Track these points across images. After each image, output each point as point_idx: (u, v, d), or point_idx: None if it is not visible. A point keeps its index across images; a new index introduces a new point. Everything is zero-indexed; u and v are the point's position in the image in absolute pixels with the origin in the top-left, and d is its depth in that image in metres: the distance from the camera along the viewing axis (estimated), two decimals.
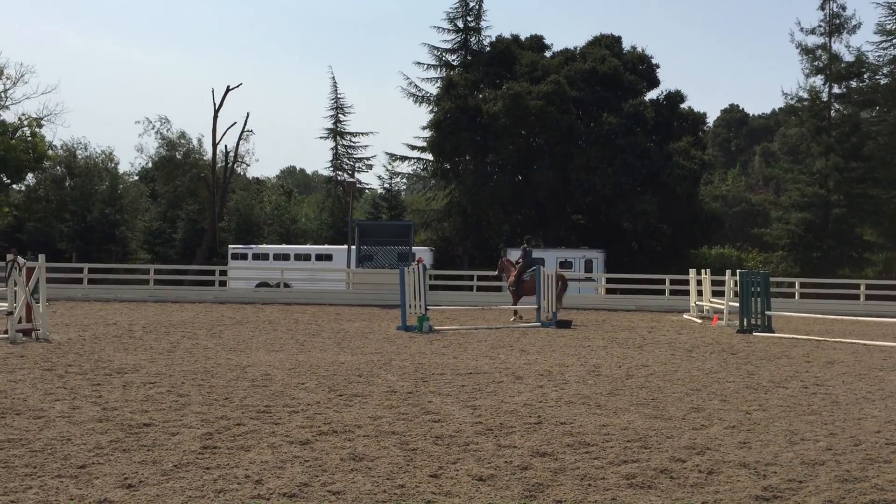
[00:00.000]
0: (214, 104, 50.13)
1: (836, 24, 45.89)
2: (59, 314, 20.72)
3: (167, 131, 53.61)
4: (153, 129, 53.59)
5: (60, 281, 30.93)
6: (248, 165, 58.72)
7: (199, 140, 54.69)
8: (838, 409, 9.08)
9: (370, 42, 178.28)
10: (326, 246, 43.95)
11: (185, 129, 56.27)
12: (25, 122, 50.86)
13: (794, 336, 18.55)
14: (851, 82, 46.84)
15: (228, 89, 50.39)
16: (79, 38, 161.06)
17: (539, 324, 20.44)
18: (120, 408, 8.23)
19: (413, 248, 35.28)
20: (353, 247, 34.40)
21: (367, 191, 60.21)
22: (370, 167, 58.08)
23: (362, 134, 57.82)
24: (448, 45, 49.21)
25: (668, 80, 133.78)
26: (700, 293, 25.35)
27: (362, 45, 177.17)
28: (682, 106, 47.34)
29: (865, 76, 46.82)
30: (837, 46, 46.52)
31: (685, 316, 25.53)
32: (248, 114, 73.99)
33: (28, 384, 9.64)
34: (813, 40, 46.44)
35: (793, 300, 30.46)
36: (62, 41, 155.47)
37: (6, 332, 14.48)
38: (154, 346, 14.08)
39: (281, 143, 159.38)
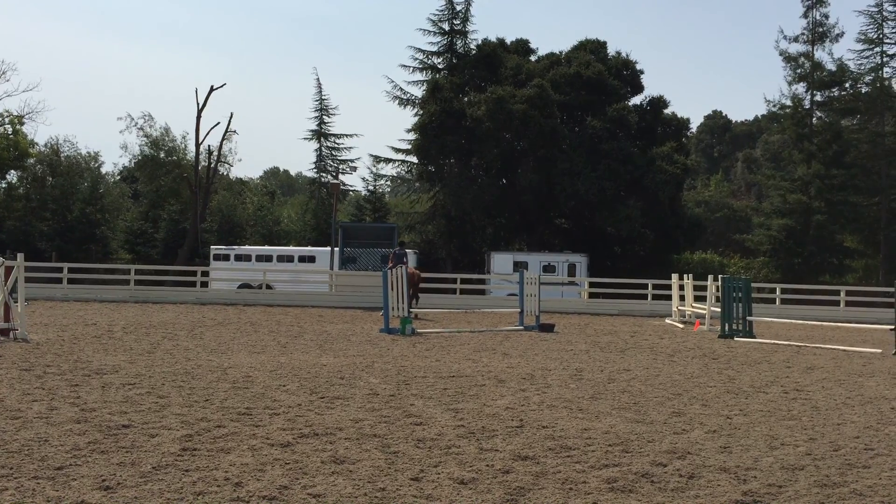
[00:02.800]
0: (198, 104, 49.97)
1: (819, 33, 46.40)
2: (37, 314, 20.52)
3: (150, 128, 53.32)
4: (136, 125, 53.30)
5: (39, 280, 30.62)
6: (231, 166, 58.43)
7: (184, 137, 54.48)
8: (818, 414, 9.14)
9: (355, 44, 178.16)
10: (309, 247, 43.78)
11: (169, 127, 55.66)
12: (7, 120, 50.43)
13: (775, 341, 18.66)
14: (833, 90, 47.35)
15: (212, 89, 50.27)
16: (61, 36, 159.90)
17: (522, 327, 20.46)
18: (98, 409, 8.15)
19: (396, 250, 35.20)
20: (337, 249, 34.31)
21: (350, 193, 60.13)
22: (354, 169, 58.18)
23: (347, 136, 57.81)
24: (434, 48, 49.26)
25: (652, 86, 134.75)
26: (682, 298, 25.45)
27: (347, 46, 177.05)
28: (666, 111, 47.63)
29: (847, 84, 47.36)
30: (820, 54, 47.14)
31: (667, 321, 25.62)
32: (231, 114, 73.43)
33: (5, 384, 9.53)
34: (796, 48, 46.99)
35: (774, 306, 30.65)
36: (44, 38, 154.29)
37: None
38: (134, 346, 13.97)
39: (264, 143, 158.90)
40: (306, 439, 7.10)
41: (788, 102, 47.39)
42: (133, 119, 53.65)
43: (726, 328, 19.59)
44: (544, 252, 40.98)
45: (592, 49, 47.90)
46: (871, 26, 46.37)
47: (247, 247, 43.87)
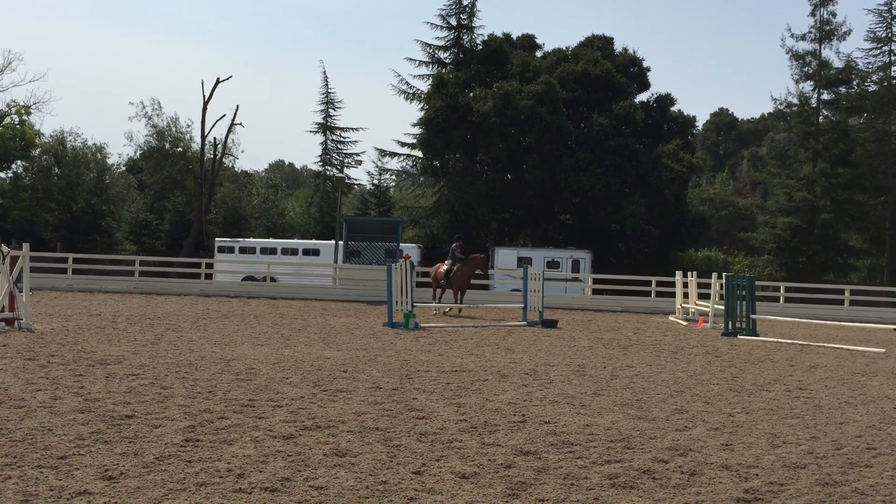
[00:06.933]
0: (204, 96, 49.92)
1: (827, 31, 46.20)
2: (42, 304, 20.57)
3: (158, 117, 53.16)
4: (144, 114, 53.13)
5: (44, 271, 30.67)
6: (236, 158, 58.37)
7: (188, 127, 54.30)
8: (821, 413, 9.13)
9: (362, 37, 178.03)
10: (314, 241, 43.83)
11: (176, 118, 55.42)
12: (13, 110, 50.50)
13: (779, 340, 18.64)
14: (840, 89, 47.17)
15: (218, 81, 50.18)
16: (68, 27, 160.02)
17: (525, 323, 20.46)
18: (102, 399, 8.18)
19: (401, 244, 35.25)
20: (341, 242, 34.34)
21: (355, 186, 60.15)
22: (359, 163, 58.04)
23: (352, 129, 57.70)
24: (440, 43, 49.21)
25: (659, 83, 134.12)
26: (686, 295, 25.44)
27: (354, 40, 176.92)
28: (672, 109, 47.51)
29: (854, 83, 47.17)
30: (827, 53, 46.95)
31: (671, 318, 25.61)
32: (237, 106, 73.63)
33: (10, 374, 9.56)
34: (803, 46, 46.80)
35: (778, 304, 30.61)
36: (51, 29, 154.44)
37: None
38: (138, 337, 14.00)
39: (270, 136, 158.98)
40: (309, 432, 7.12)
41: (795, 101, 47.23)
42: (143, 106, 53.44)
43: (730, 326, 19.57)
44: (548, 248, 40.95)
45: (599, 45, 47.75)
46: (880, 25, 46.23)
47: (251, 239, 43.89)
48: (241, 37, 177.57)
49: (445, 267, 23.98)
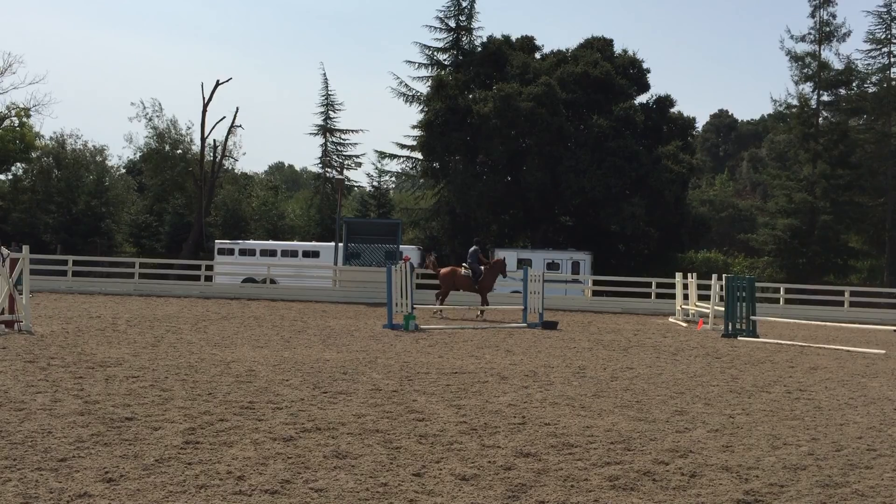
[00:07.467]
0: (203, 98, 49.95)
1: (826, 32, 46.20)
2: (42, 306, 20.57)
3: (158, 118, 53.08)
4: (145, 114, 53.04)
5: (44, 273, 30.69)
6: (235, 160, 58.36)
7: (188, 129, 54.26)
8: (821, 414, 9.13)
9: (362, 39, 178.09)
10: (314, 242, 43.83)
11: (176, 120, 55.19)
12: (13, 112, 50.53)
13: (779, 341, 18.64)
14: (840, 90, 47.16)
15: (218, 83, 50.22)
16: (68, 29, 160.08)
17: (525, 324, 20.46)
18: (102, 401, 8.18)
19: (400, 246, 35.25)
20: (341, 244, 34.35)
21: (355, 188, 60.16)
22: (359, 165, 58.05)
23: (352, 131, 57.73)
24: (439, 45, 49.19)
25: (659, 85, 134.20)
26: (686, 297, 25.44)
27: (354, 42, 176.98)
28: (672, 110, 47.47)
29: (854, 84, 47.17)
30: (827, 54, 46.93)
31: (671, 319, 25.61)
32: (237, 108, 73.68)
33: (10, 376, 9.56)
34: (803, 47, 46.80)
35: (778, 305, 30.61)
36: (51, 31, 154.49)
37: None
38: (138, 339, 14.00)
39: (270, 138, 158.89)
40: (309, 434, 7.11)
41: (795, 102, 47.23)
42: (144, 107, 53.27)
43: (730, 327, 19.57)
44: (548, 249, 40.93)
45: (599, 47, 47.72)
46: (880, 26, 46.24)
47: (251, 241, 43.91)
48: (241, 37, 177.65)
49: (465, 271, 24.11)
